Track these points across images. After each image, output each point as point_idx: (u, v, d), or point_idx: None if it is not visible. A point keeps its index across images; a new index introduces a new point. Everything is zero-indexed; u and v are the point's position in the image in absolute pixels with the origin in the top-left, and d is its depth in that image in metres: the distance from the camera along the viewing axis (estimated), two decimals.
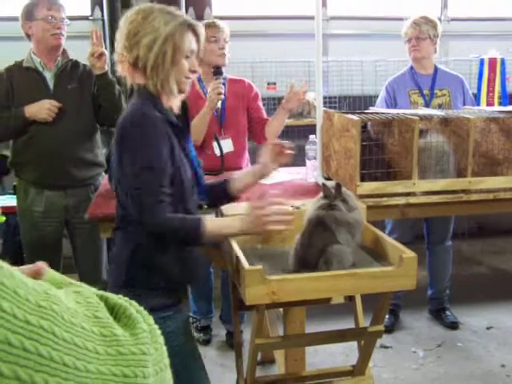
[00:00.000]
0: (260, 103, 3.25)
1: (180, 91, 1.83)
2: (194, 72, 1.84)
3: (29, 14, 2.90)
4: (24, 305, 0.50)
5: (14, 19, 3.04)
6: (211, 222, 1.80)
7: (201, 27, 1.85)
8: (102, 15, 4.55)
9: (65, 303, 0.55)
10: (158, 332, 0.65)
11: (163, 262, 1.80)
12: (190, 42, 1.79)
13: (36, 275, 0.64)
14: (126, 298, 0.66)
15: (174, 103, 1.84)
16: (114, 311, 0.63)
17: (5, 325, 0.48)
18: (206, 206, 2.03)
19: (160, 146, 1.72)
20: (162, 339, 0.65)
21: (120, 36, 1.80)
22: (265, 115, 3.23)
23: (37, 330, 0.50)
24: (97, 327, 0.56)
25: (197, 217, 1.80)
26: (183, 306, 1.92)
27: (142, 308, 0.66)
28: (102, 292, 0.65)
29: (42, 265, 0.67)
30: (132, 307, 0.64)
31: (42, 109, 2.83)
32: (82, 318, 0.56)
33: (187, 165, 1.85)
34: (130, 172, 1.71)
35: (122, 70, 1.83)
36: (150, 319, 0.65)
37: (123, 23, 1.79)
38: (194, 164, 1.91)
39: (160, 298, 1.79)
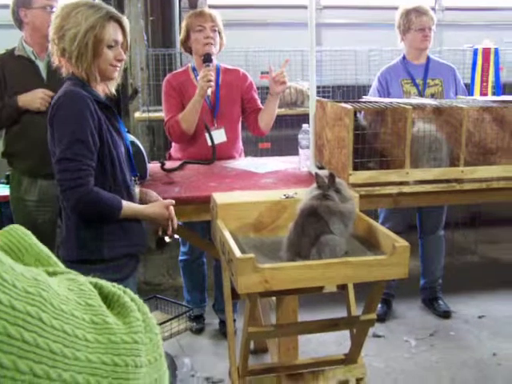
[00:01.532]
0: (255, 93, 3.24)
1: (107, 78, 2.06)
2: (119, 60, 2.04)
3: (26, 2, 2.87)
4: (10, 290, 0.49)
5: (2, 7, 3.00)
6: (128, 206, 2.01)
7: (125, 20, 2.06)
8: None
9: (55, 290, 0.54)
10: (153, 321, 0.64)
11: (106, 233, 2.01)
12: (112, 33, 2.00)
13: None
14: (121, 286, 0.65)
15: (102, 89, 2.08)
16: (108, 299, 0.62)
17: None
18: (137, 182, 2.24)
19: (87, 121, 1.91)
20: (156, 328, 0.64)
21: (50, 30, 2.01)
22: (259, 105, 3.21)
23: (22, 315, 0.49)
24: (88, 315, 0.55)
25: (117, 198, 1.99)
26: (130, 283, 2.07)
27: (136, 296, 0.65)
28: (96, 279, 0.64)
29: None
30: (126, 295, 0.63)
31: (35, 98, 2.81)
32: (73, 305, 0.55)
33: (119, 141, 2.05)
34: (59, 145, 1.92)
35: (54, 60, 2.04)
36: (145, 308, 0.64)
37: (53, 18, 2.01)
38: (125, 142, 2.12)
39: (109, 274, 1.90)
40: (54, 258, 0.69)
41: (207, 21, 3.04)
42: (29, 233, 0.68)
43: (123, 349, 0.56)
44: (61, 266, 0.68)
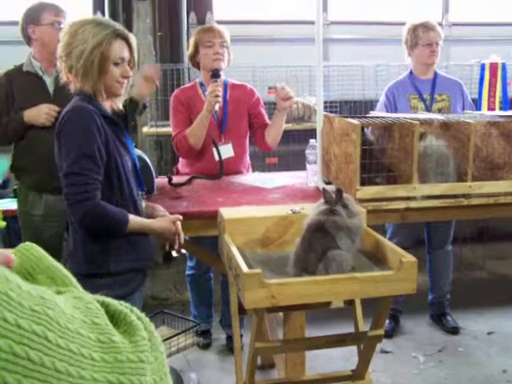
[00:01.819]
0: (262, 108, 3.25)
1: (113, 94, 2.08)
2: (126, 77, 2.07)
3: (34, 19, 2.90)
4: (16, 308, 0.49)
5: (12, 23, 3.04)
6: (135, 220, 2.02)
7: (132, 37, 2.08)
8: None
9: (61, 308, 0.54)
10: (159, 340, 0.63)
11: (113, 247, 2.01)
12: (118, 50, 2.02)
13: (6, 264, 0.62)
14: (127, 305, 0.65)
15: (109, 104, 2.10)
16: (115, 317, 0.61)
17: None
18: (144, 196, 2.26)
19: (94, 135, 1.93)
20: (162, 347, 0.64)
21: (59, 47, 2.04)
22: (267, 120, 3.22)
23: (28, 334, 0.49)
24: (94, 333, 0.55)
25: (123, 212, 2.00)
26: (136, 298, 2.09)
27: (142, 315, 0.65)
28: (103, 298, 0.64)
29: (9, 255, 0.63)
30: (133, 314, 0.63)
31: (40, 113, 2.83)
32: (80, 324, 0.55)
33: (126, 156, 2.06)
34: (66, 159, 1.93)
35: (62, 76, 2.07)
36: (151, 326, 0.63)
37: (61, 35, 2.03)
38: (132, 156, 2.13)
39: (116, 289, 1.97)
40: (70, 277, 0.69)
41: (216, 36, 3.07)
42: (42, 251, 0.68)
43: (129, 368, 0.56)
44: (75, 284, 0.68)
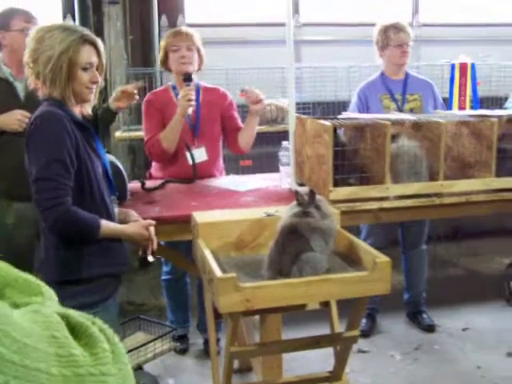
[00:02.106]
0: (235, 112, 3.25)
1: (82, 100, 2.06)
2: (94, 83, 2.04)
3: (4, 24, 2.87)
4: None
5: None
6: (107, 226, 2.00)
7: (99, 42, 2.06)
8: (74, 23, 4.52)
9: (18, 323, 0.53)
10: (123, 351, 0.63)
11: (86, 253, 1.99)
12: (86, 56, 2.00)
13: None
14: (90, 317, 0.64)
15: (79, 110, 2.07)
16: (76, 330, 0.60)
17: None
18: (117, 202, 2.25)
19: (64, 140, 1.91)
20: (126, 358, 0.63)
21: (25, 53, 2.02)
22: (240, 124, 3.22)
23: None
24: (53, 347, 0.54)
25: (95, 217, 1.97)
26: (111, 304, 2.07)
27: (106, 326, 0.64)
28: (64, 310, 0.63)
29: None
30: (95, 326, 0.62)
31: (12, 119, 2.79)
32: (37, 338, 0.53)
33: (97, 161, 2.04)
34: (36, 165, 1.91)
35: (30, 82, 2.06)
36: (115, 338, 0.63)
37: (28, 41, 2.01)
38: (104, 162, 2.11)
39: (88, 296, 1.97)
40: (41, 285, 0.67)
41: (182, 40, 3.05)
42: (5, 264, 0.67)
43: (90, 381, 0.55)
44: (46, 293, 0.67)
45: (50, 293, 0.67)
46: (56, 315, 0.59)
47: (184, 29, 3.17)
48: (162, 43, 3.14)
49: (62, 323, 0.59)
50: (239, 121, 3.23)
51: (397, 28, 3.46)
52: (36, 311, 0.59)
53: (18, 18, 2.87)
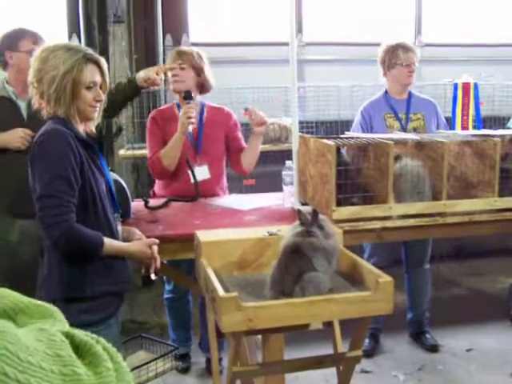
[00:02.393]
0: (239, 132, 3.26)
1: (86, 119, 2.08)
2: (98, 101, 2.07)
3: (12, 45, 2.90)
4: None
5: None
6: (110, 244, 2.00)
7: (103, 61, 2.08)
8: (80, 42, 4.56)
9: (23, 342, 0.53)
10: (127, 370, 0.63)
11: (89, 271, 1.99)
12: (90, 75, 2.02)
13: None
14: (94, 336, 0.65)
15: (83, 128, 2.09)
16: (80, 349, 0.61)
17: None
18: (120, 219, 2.24)
19: (69, 158, 1.92)
20: (129, 377, 0.63)
21: (30, 73, 2.05)
22: (243, 144, 3.23)
23: None
24: (57, 366, 0.55)
25: (99, 234, 1.98)
26: (113, 323, 2.07)
27: (109, 345, 0.64)
28: (68, 329, 0.64)
29: None
30: (99, 345, 0.63)
31: (15, 137, 2.81)
32: (42, 357, 0.54)
33: (101, 179, 2.05)
34: (40, 182, 1.92)
35: (34, 102, 2.08)
36: (119, 357, 0.63)
37: (32, 61, 2.04)
38: (107, 179, 2.12)
39: (91, 314, 1.97)
40: (50, 308, 0.68)
41: (175, 59, 3.08)
42: (15, 293, 0.68)
43: None
44: (56, 315, 0.68)
45: (60, 316, 0.68)
46: (60, 334, 0.60)
47: (183, 48, 3.20)
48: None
49: (66, 342, 0.59)
50: (243, 141, 3.25)
51: (405, 48, 3.48)
52: (40, 329, 0.60)
53: (26, 39, 2.90)
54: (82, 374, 0.56)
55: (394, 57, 3.47)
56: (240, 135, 3.25)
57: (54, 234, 1.90)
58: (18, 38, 2.91)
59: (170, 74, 3.07)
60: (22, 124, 2.86)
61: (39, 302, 0.68)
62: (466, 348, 3.62)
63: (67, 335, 0.61)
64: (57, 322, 0.66)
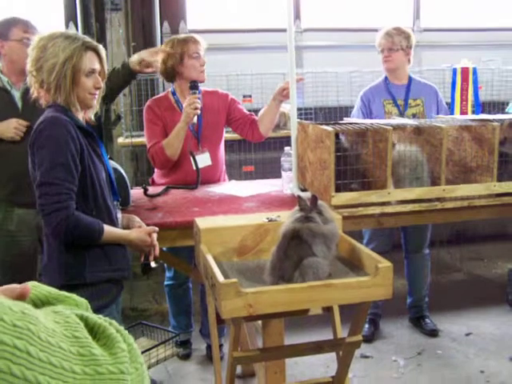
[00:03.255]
0: (239, 105, 3.25)
1: (86, 106, 2.09)
2: (97, 88, 2.07)
3: (3, 34, 2.88)
4: None
5: None
6: (109, 231, 2.02)
7: (101, 48, 2.09)
8: (77, 30, 4.54)
9: (43, 323, 0.55)
10: (138, 352, 0.65)
11: (89, 258, 2.00)
12: (89, 62, 2.03)
13: (21, 297, 0.64)
14: (106, 318, 0.66)
15: (81, 116, 2.09)
16: (94, 331, 0.63)
17: None
18: (119, 207, 2.25)
19: (68, 145, 1.93)
20: (141, 358, 0.65)
21: (28, 62, 2.04)
22: (248, 114, 3.23)
23: (10, 349, 0.50)
24: (75, 347, 0.56)
25: (98, 222, 1.99)
26: (113, 309, 2.09)
27: (122, 328, 0.66)
28: (81, 312, 0.65)
29: (26, 287, 0.66)
30: (112, 327, 0.64)
31: (9, 128, 2.80)
32: (60, 338, 0.56)
33: (100, 166, 2.06)
34: (40, 169, 1.92)
35: (33, 92, 2.07)
36: (130, 338, 0.65)
37: (30, 50, 2.03)
38: (107, 167, 2.13)
39: (91, 301, 1.90)
40: (77, 299, 0.71)
41: (201, 48, 3.07)
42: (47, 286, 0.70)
43: (109, 379, 0.57)
44: (82, 303, 0.70)
45: (87, 307, 0.70)
46: (74, 316, 0.62)
47: (197, 36, 3.15)
48: (178, 48, 3.05)
49: (81, 324, 0.61)
50: (246, 111, 3.24)
51: (386, 33, 3.50)
52: (56, 312, 0.61)
53: (17, 28, 2.88)
54: (98, 355, 0.58)
55: (378, 44, 3.51)
56: (241, 106, 3.24)
57: (54, 221, 1.90)
58: (8, 27, 2.88)
59: (197, 62, 3.05)
60: (16, 114, 2.85)
61: (68, 294, 0.71)
62: (465, 332, 3.64)
63: (81, 318, 0.63)
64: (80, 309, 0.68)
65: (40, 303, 0.68)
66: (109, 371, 0.57)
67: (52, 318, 0.59)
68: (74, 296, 0.72)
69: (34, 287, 0.69)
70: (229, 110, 3.20)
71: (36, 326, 0.53)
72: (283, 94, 3.03)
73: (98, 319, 0.64)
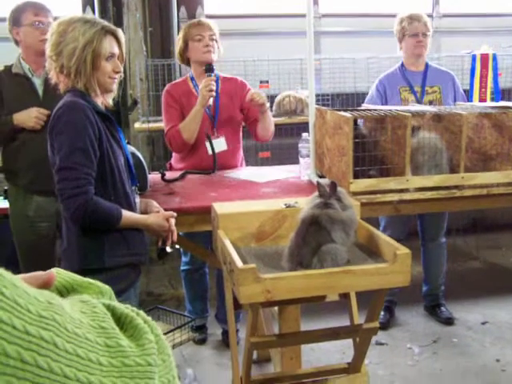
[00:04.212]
0: None
1: (106, 90, 2.09)
2: (117, 72, 2.08)
3: (16, 20, 2.87)
4: (24, 315, 0.49)
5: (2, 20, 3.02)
6: (128, 216, 2.03)
7: (120, 32, 2.09)
8: (94, 15, 4.53)
9: (69, 313, 0.54)
10: (166, 343, 0.64)
11: (107, 242, 2.01)
12: (109, 46, 2.03)
13: (46, 285, 0.63)
14: (134, 308, 0.65)
15: (101, 101, 2.10)
16: (121, 321, 0.62)
17: (2, 336, 0.47)
18: (138, 192, 2.26)
19: (87, 130, 1.93)
20: (169, 350, 0.64)
21: (47, 47, 2.04)
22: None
23: (36, 340, 0.49)
24: (102, 338, 0.55)
25: (117, 207, 2.00)
26: (132, 294, 2.10)
27: (149, 318, 0.65)
28: (108, 301, 0.64)
29: (51, 275, 0.65)
30: (139, 317, 0.63)
31: (30, 117, 2.80)
32: (87, 329, 0.55)
33: (119, 151, 2.06)
34: (59, 154, 1.93)
35: (52, 77, 2.08)
36: (158, 329, 0.64)
37: (49, 34, 2.02)
38: (125, 152, 2.14)
39: (110, 286, 1.93)
40: (101, 286, 0.70)
41: (205, 30, 3.07)
42: (70, 273, 0.70)
43: (137, 371, 0.56)
44: (107, 291, 0.69)
45: (111, 295, 0.70)
46: (101, 306, 0.60)
47: (204, 20, 3.18)
48: (182, 33, 3.14)
49: (108, 314, 0.60)
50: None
51: (411, 18, 3.45)
52: (84, 301, 0.60)
53: (27, 12, 2.87)
54: (126, 346, 0.56)
55: (402, 28, 3.47)
56: None
57: (72, 205, 1.91)
58: (20, 13, 2.88)
59: (200, 44, 3.04)
60: (37, 101, 2.85)
61: (92, 281, 0.69)
62: (481, 321, 3.62)
63: (108, 307, 0.62)
64: (104, 297, 0.67)
65: (65, 290, 0.67)
66: (136, 363, 0.56)
67: (79, 308, 0.58)
68: (98, 283, 0.71)
69: (59, 274, 0.68)
70: (243, 101, 3.20)
71: (62, 317, 0.52)
72: (254, 104, 3.02)
73: (125, 309, 0.63)
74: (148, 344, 0.59)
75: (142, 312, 0.64)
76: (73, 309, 0.56)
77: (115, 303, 0.63)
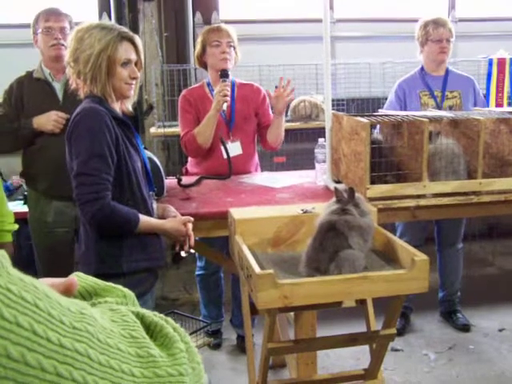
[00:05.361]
0: (268, 108, 3.26)
1: (122, 96, 2.11)
2: (134, 78, 2.09)
3: (34, 28, 2.95)
4: (58, 327, 0.48)
5: (25, 26, 3.05)
6: (145, 221, 2.04)
7: (137, 38, 2.10)
8: (110, 21, 4.56)
9: (100, 323, 0.53)
10: (195, 350, 0.63)
11: (125, 247, 2.02)
12: (124, 52, 2.05)
13: (67, 292, 0.62)
14: (162, 315, 0.64)
15: (119, 106, 2.12)
16: (150, 330, 0.61)
17: (38, 349, 0.46)
18: (155, 197, 2.27)
19: (105, 136, 1.95)
20: (199, 357, 0.63)
21: (66, 53, 2.09)
22: (271, 121, 3.23)
23: (71, 353, 0.48)
24: (133, 348, 0.55)
25: (134, 212, 2.01)
26: (149, 299, 2.10)
27: (178, 325, 0.64)
28: (138, 309, 0.64)
29: (73, 281, 0.64)
30: (169, 325, 0.63)
31: (48, 120, 2.83)
32: (119, 339, 0.54)
33: (136, 156, 2.08)
34: (77, 160, 1.95)
35: (72, 82, 2.11)
36: (187, 337, 0.63)
37: (68, 41, 2.07)
38: (143, 157, 2.15)
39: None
40: (125, 291, 0.70)
41: (224, 36, 3.07)
42: (94, 278, 0.70)
43: (168, 382, 0.55)
44: (130, 296, 0.69)
45: (133, 299, 0.69)
46: (131, 314, 0.60)
47: (224, 26, 3.19)
48: (201, 38, 3.16)
49: (138, 322, 0.59)
50: (271, 117, 3.24)
51: (436, 23, 3.42)
52: (113, 310, 0.60)
53: (40, 20, 2.92)
54: (157, 356, 0.56)
55: (426, 33, 3.43)
56: (269, 111, 3.25)
57: (90, 211, 1.93)
58: (36, 20, 2.94)
59: (217, 50, 3.06)
60: (57, 106, 2.88)
61: (114, 285, 0.69)
62: (498, 328, 3.59)
63: (137, 315, 0.61)
64: (128, 302, 0.67)
65: (88, 295, 0.66)
66: (168, 373, 0.56)
67: (109, 317, 0.57)
68: (121, 287, 0.70)
69: (81, 279, 0.67)
70: (257, 107, 3.21)
71: (95, 328, 0.52)
72: (278, 96, 3.03)
73: (154, 317, 0.63)
74: (179, 353, 0.59)
75: (170, 319, 0.64)
76: (103, 317, 0.56)
77: (144, 311, 0.63)
